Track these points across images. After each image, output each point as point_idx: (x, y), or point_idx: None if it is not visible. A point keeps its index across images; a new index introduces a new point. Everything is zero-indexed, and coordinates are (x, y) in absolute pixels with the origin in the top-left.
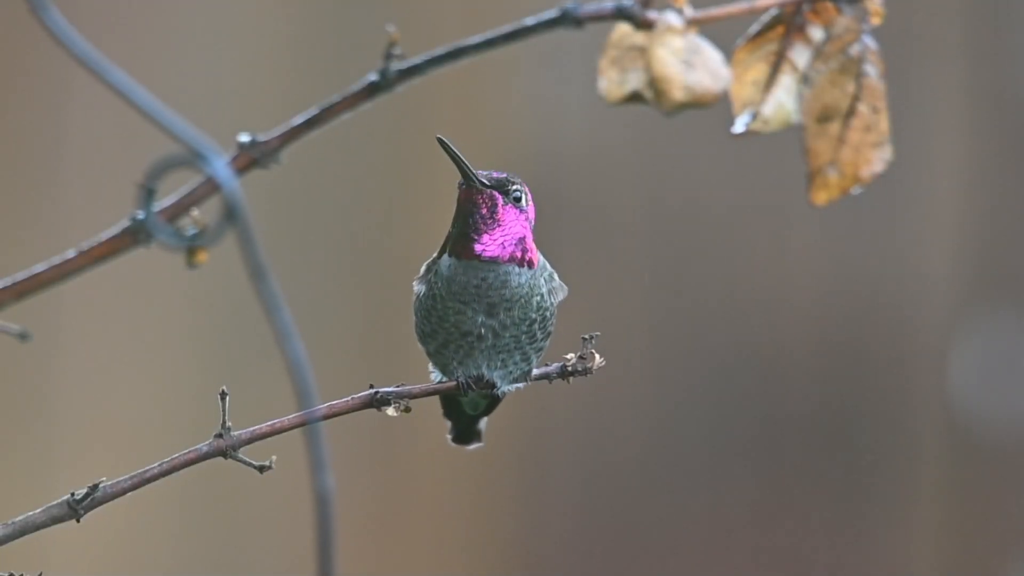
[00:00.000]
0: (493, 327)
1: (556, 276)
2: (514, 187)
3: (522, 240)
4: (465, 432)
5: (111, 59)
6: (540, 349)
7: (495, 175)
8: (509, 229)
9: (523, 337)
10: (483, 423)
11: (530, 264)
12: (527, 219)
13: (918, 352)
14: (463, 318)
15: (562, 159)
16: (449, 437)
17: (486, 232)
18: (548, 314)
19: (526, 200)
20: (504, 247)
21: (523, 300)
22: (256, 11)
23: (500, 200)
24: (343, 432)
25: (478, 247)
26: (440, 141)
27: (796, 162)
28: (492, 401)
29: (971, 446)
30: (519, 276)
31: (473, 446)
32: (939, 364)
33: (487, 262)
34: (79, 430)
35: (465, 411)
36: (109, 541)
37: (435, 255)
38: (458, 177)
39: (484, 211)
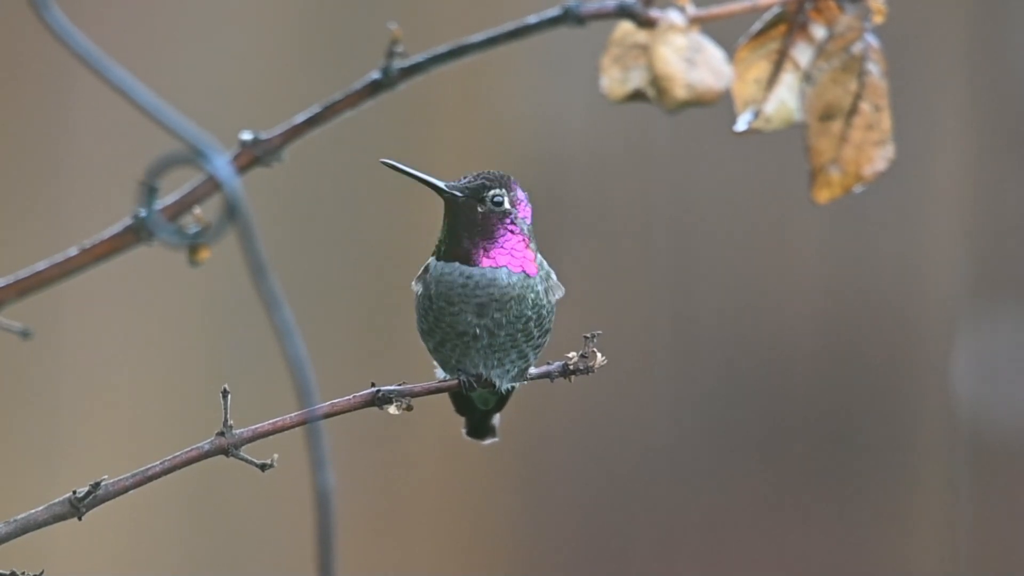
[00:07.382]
0: (487, 327)
1: (553, 275)
2: (492, 192)
3: (515, 252)
4: (479, 427)
5: (112, 57)
6: (538, 347)
7: (470, 178)
8: (498, 240)
9: (519, 336)
10: (496, 418)
11: (527, 274)
12: (511, 221)
13: (921, 351)
14: (456, 319)
15: (563, 159)
16: (464, 432)
17: (466, 239)
18: (545, 312)
19: (510, 201)
20: (495, 260)
21: (515, 299)
22: (258, 9)
23: (478, 208)
24: (344, 431)
25: (460, 252)
26: (387, 164)
27: (798, 161)
28: (502, 396)
29: (974, 446)
30: (509, 276)
31: (488, 441)
32: (942, 363)
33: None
34: (81, 428)
35: (476, 407)
36: (111, 539)
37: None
38: (459, 176)
39: (464, 220)
